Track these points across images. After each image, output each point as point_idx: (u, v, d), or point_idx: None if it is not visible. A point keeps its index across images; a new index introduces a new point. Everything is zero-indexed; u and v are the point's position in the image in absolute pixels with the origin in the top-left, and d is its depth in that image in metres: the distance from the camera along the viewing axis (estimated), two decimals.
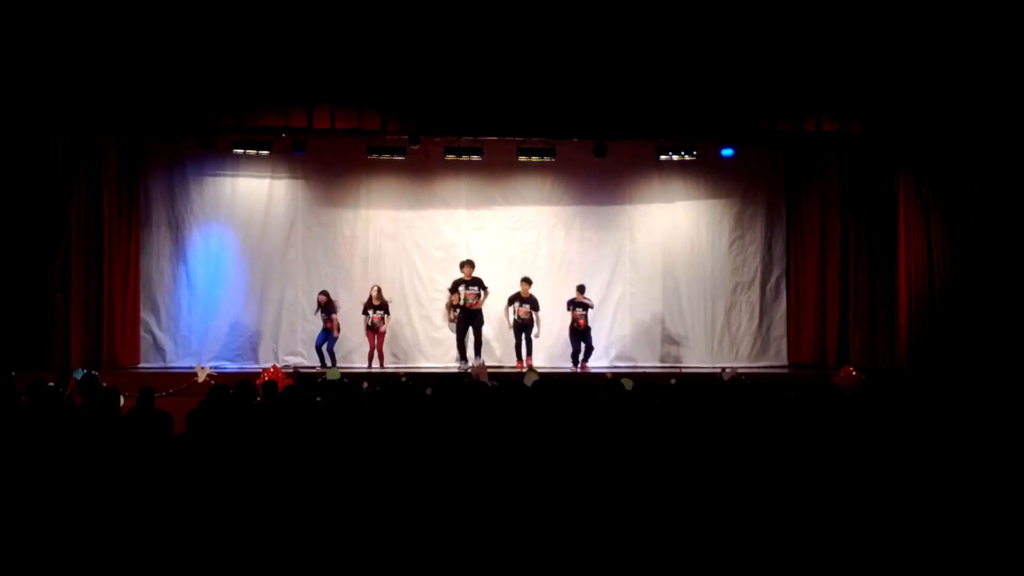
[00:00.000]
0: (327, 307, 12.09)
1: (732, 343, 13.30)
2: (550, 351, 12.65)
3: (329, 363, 11.88)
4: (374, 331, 12.16)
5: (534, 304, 12.07)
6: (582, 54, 11.04)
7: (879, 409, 6.04)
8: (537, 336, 12.16)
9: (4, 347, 10.60)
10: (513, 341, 12.24)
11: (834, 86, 11.38)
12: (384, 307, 12.22)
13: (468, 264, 12.14)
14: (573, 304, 12.22)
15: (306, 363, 12.38)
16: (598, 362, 12.44)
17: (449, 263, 12.89)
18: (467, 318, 12.03)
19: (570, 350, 12.32)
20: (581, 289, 12.27)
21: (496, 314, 12.47)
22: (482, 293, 12.09)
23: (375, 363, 12.12)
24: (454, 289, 12.08)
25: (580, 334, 12.21)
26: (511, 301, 12.10)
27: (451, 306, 12.22)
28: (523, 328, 12.11)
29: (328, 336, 12.07)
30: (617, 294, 13.17)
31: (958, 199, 11.93)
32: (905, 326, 12.04)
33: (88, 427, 5.06)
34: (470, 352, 12.07)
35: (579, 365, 12.21)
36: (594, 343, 12.34)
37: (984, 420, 5.64)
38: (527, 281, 12.15)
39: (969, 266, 11.80)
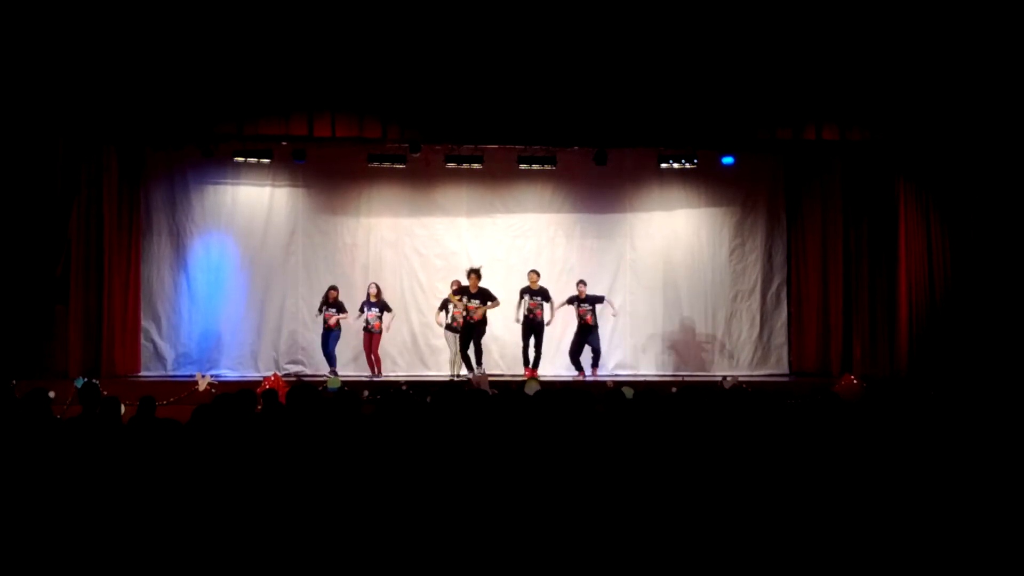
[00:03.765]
0: (336, 303, 11.91)
1: (733, 351, 13.28)
2: (553, 359, 12.57)
3: (330, 365, 11.79)
4: (369, 332, 11.98)
5: (545, 295, 11.80)
6: (583, 62, 11.08)
7: (880, 417, 6.02)
8: (549, 323, 11.89)
9: (4, 355, 10.60)
10: (520, 345, 12.02)
11: (835, 94, 11.41)
12: (381, 305, 11.96)
13: (475, 273, 11.64)
14: (576, 300, 12.02)
15: (307, 371, 12.37)
16: (599, 370, 12.42)
17: (450, 271, 12.88)
18: (469, 331, 11.70)
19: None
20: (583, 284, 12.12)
21: (499, 321, 12.43)
22: (490, 302, 11.67)
23: (374, 370, 12.00)
24: (461, 294, 11.66)
25: (584, 332, 12.01)
26: (522, 295, 11.84)
27: (443, 307, 12.00)
28: (533, 328, 11.78)
29: (332, 335, 11.86)
30: (618, 302, 13.13)
31: (959, 206, 11.94)
32: (906, 333, 12.04)
33: (88, 436, 5.04)
34: (473, 361, 11.97)
35: (590, 370, 12.00)
36: (601, 347, 12.17)
37: (985, 428, 5.62)
38: (536, 272, 11.94)
39: (970, 273, 11.81)
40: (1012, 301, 11.34)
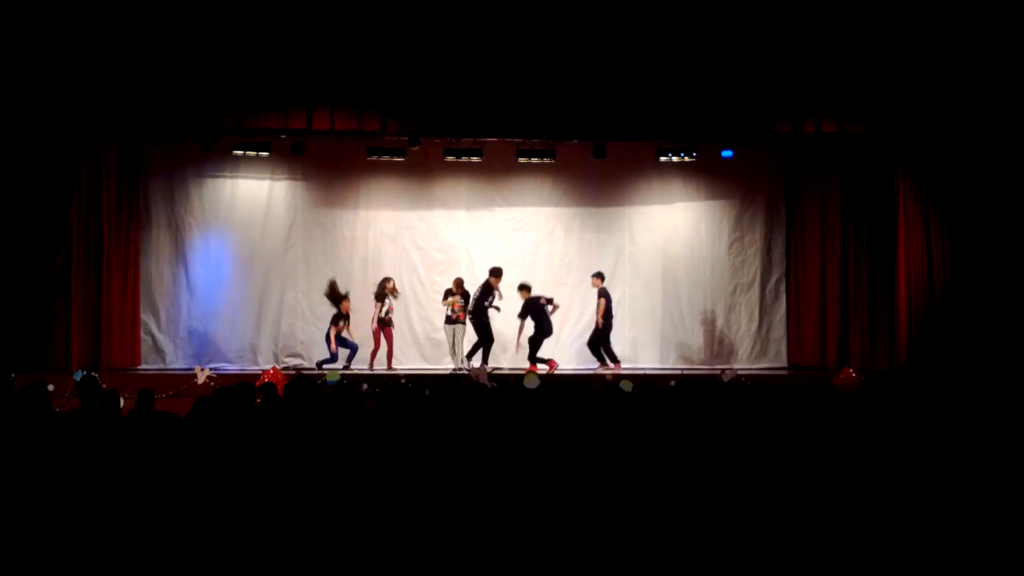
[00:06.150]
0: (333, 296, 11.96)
1: (732, 345, 13.29)
2: (553, 352, 12.45)
3: (347, 357, 11.79)
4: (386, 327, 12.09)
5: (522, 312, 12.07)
6: (582, 55, 11.06)
7: (879, 411, 6.03)
8: (517, 351, 12.15)
9: (4, 348, 10.60)
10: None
11: (834, 87, 11.39)
12: (381, 298, 12.08)
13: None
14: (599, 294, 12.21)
15: (306, 364, 12.38)
16: (620, 365, 12.33)
17: (449, 264, 12.89)
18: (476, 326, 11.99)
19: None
20: (599, 276, 12.28)
21: (499, 316, 12.41)
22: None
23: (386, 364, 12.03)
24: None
25: (598, 327, 12.09)
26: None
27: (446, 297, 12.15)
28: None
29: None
30: (617, 296, 13.08)
31: (958, 200, 11.92)
32: (905, 328, 12.03)
33: (87, 429, 5.05)
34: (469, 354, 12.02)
35: (612, 365, 12.02)
36: (608, 343, 12.18)
37: (984, 422, 5.63)
38: (524, 288, 12.12)
39: (969, 268, 11.80)
40: (1012, 296, 11.33)
